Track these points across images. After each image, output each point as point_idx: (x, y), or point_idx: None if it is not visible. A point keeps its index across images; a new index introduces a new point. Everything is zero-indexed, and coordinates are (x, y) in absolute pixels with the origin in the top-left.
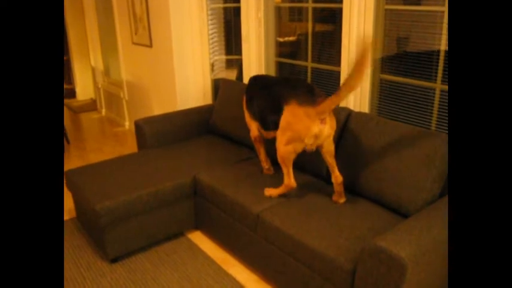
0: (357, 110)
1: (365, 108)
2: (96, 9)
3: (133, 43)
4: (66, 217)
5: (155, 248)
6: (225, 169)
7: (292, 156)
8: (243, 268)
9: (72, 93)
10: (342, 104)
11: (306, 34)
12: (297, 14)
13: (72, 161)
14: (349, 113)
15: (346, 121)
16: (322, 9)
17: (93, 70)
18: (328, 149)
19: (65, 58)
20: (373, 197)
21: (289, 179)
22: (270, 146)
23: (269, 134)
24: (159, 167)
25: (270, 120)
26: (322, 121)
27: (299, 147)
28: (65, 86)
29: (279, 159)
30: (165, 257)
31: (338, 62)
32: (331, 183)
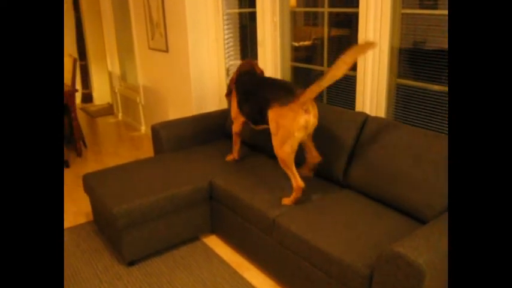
0: (373, 114)
1: (381, 113)
2: (113, 15)
3: (150, 48)
4: (83, 220)
5: (171, 251)
6: (240, 174)
7: (292, 157)
8: (258, 272)
9: (90, 98)
10: (359, 108)
11: (321, 38)
12: (312, 19)
13: (89, 165)
14: (365, 118)
15: (362, 126)
16: (338, 14)
17: (110, 75)
18: (311, 135)
19: (82, 63)
20: (390, 202)
21: (297, 181)
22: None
23: (258, 127)
24: (176, 171)
25: (258, 119)
26: (306, 111)
27: (294, 144)
28: (82, 91)
29: (281, 164)
30: (181, 260)
31: (353, 67)
32: (346, 187)
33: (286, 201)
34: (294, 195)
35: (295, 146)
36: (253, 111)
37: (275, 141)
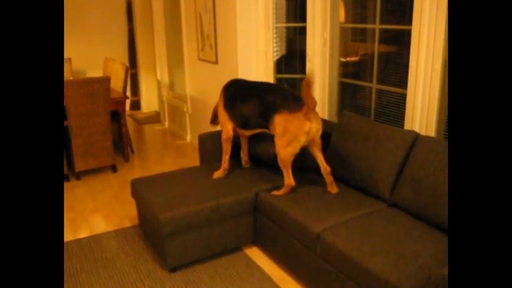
0: (422, 133)
1: (431, 132)
2: (165, 26)
3: (200, 59)
4: (128, 224)
5: (213, 260)
6: None
7: (291, 158)
8: (300, 287)
9: (138, 105)
10: (407, 126)
11: (369, 54)
12: (359, 34)
13: (135, 170)
14: (415, 137)
15: (412, 144)
16: (386, 30)
17: (159, 84)
18: (317, 143)
19: (132, 71)
20: (439, 224)
21: (289, 179)
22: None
23: (245, 132)
24: (221, 182)
25: (253, 122)
26: (309, 119)
27: (297, 147)
28: (131, 98)
29: (281, 163)
30: (222, 270)
31: (403, 84)
32: (392, 206)
33: (276, 193)
34: (283, 190)
35: (297, 149)
36: (252, 114)
37: (280, 142)
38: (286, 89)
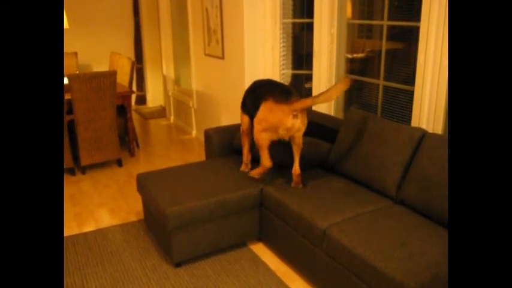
0: (429, 130)
1: (438, 129)
2: (171, 21)
3: (206, 54)
4: (133, 218)
5: (218, 256)
6: (292, 183)
7: (267, 143)
8: (305, 284)
9: (143, 100)
10: (415, 124)
11: (376, 51)
12: (365, 31)
13: (141, 165)
14: (423, 134)
15: (419, 142)
16: (393, 27)
17: (165, 78)
18: (298, 142)
19: (138, 66)
20: (447, 222)
21: (265, 160)
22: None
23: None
24: (227, 176)
25: (254, 114)
26: (294, 116)
27: (273, 136)
28: (137, 93)
29: (256, 143)
30: (228, 265)
31: (410, 81)
32: (399, 203)
33: (253, 172)
34: (259, 170)
35: (274, 138)
36: (252, 106)
37: (257, 126)
38: (280, 83)
